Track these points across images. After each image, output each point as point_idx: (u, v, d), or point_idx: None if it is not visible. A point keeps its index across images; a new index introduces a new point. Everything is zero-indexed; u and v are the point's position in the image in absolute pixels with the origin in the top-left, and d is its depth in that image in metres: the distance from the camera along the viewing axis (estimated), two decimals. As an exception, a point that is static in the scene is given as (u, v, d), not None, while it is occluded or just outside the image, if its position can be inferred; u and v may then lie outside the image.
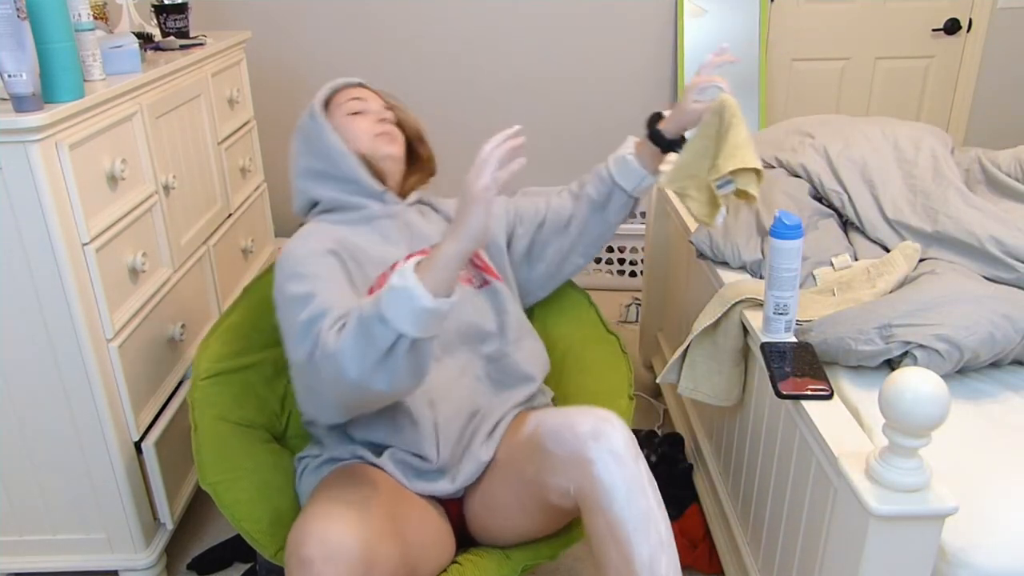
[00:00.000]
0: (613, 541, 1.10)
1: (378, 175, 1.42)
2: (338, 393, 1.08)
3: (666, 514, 1.14)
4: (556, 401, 1.53)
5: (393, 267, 1.35)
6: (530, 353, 1.43)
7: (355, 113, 1.43)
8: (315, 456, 1.34)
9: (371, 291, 1.30)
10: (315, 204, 1.44)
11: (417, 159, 1.54)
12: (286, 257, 1.27)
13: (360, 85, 1.50)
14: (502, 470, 1.28)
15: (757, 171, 1.32)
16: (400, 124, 1.49)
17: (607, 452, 1.10)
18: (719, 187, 1.35)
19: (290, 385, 1.51)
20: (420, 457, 1.28)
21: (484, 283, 1.43)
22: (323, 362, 1.06)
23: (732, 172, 1.32)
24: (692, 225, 1.77)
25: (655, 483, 1.15)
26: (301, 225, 1.42)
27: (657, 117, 1.46)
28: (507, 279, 1.50)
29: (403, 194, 1.47)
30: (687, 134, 1.44)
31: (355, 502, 1.10)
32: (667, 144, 1.44)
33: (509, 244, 1.53)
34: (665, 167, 1.48)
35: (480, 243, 1.05)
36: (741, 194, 1.35)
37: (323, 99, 1.43)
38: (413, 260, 1.03)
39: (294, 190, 1.45)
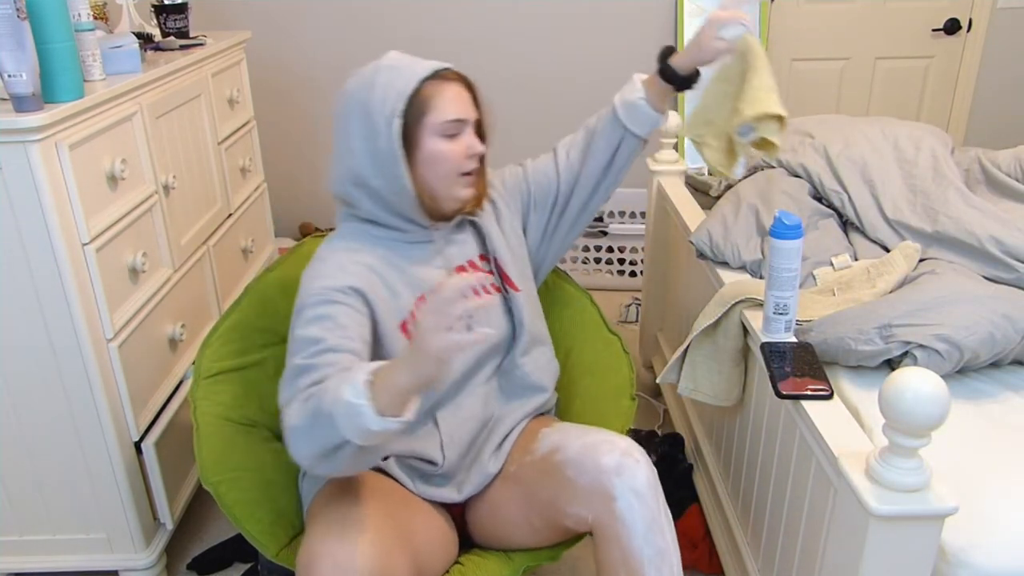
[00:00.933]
0: (626, 573, 1.12)
1: (432, 211, 1.23)
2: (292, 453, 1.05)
3: (678, 548, 1.15)
4: (559, 403, 1.53)
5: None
6: (542, 363, 1.39)
7: (451, 136, 1.19)
8: None
9: (403, 325, 1.21)
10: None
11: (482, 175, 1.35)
12: (309, 285, 1.17)
13: (451, 72, 1.21)
14: (512, 484, 1.27)
15: (781, 118, 1.23)
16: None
17: (630, 490, 1.11)
18: (740, 135, 1.25)
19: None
20: (427, 462, 1.27)
21: (501, 291, 1.36)
22: (285, 427, 1.04)
23: (755, 118, 1.22)
24: (692, 225, 1.77)
25: (671, 517, 1.16)
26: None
27: (669, 51, 1.31)
28: (527, 284, 1.40)
29: (449, 218, 1.30)
30: (703, 71, 1.32)
31: (365, 518, 1.09)
32: (681, 81, 1.29)
33: (524, 230, 1.42)
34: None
35: (433, 388, 1.00)
36: (763, 144, 1.26)
37: (408, 96, 1.15)
38: (367, 371, 0.95)
39: (337, 170, 1.25)
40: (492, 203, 1.37)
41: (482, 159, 1.27)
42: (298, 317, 1.15)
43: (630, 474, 1.11)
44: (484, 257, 1.34)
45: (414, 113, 1.15)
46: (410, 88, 1.15)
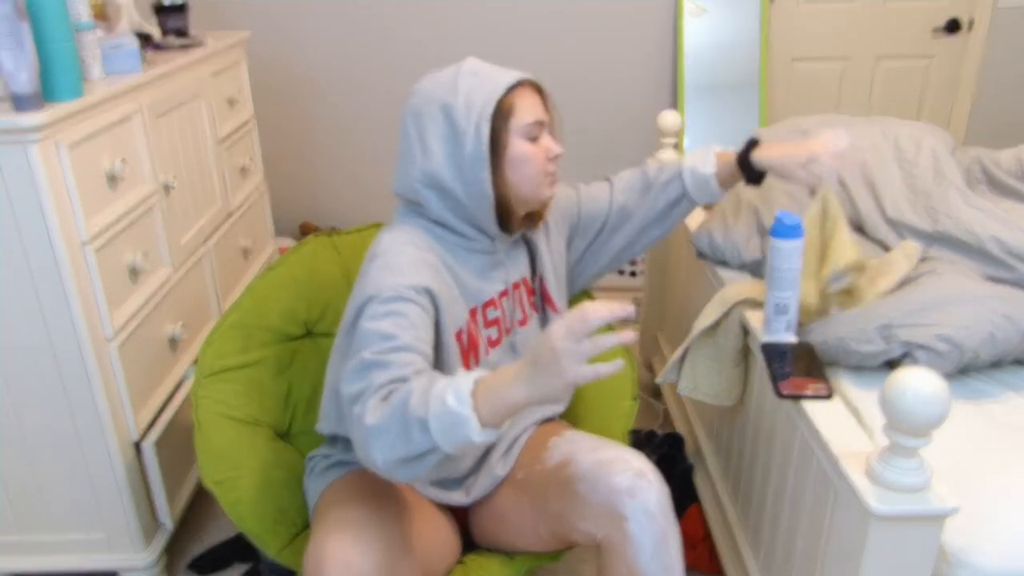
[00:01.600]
0: None
1: (506, 217, 1.23)
2: (357, 451, 1.03)
3: (683, 560, 1.16)
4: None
5: (486, 305, 1.27)
6: None
7: (533, 138, 1.20)
8: (326, 456, 1.32)
9: (458, 335, 1.21)
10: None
11: None
12: (380, 278, 1.13)
13: (529, 82, 1.23)
14: (520, 491, 1.27)
15: (862, 266, 1.33)
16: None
17: (642, 512, 1.11)
18: (833, 281, 1.32)
19: (294, 382, 1.51)
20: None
21: (540, 310, 1.37)
22: (357, 425, 1.00)
23: (845, 266, 1.31)
24: (692, 225, 1.77)
25: (679, 532, 1.16)
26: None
27: (754, 143, 1.37)
28: (563, 304, 1.42)
29: (514, 231, 1.29)
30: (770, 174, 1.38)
31: (374, 520, 1.09)
32: (755, 177, 1.37)
33: (567, 249, 1.45)
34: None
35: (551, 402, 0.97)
36: (849, 293, 1.35)
37: (496, 100, 1.16)
38: (471, 380, 0.94)
39: (406, 168, 1.23)
40: (544, 224, 1.38)
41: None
42: (366, 309, 1.10)
43: (643, 496, 1.11)
44: (532, 276, 1.36)
45: (500, 117, 1.17)
46: (499, 93, 1.16)
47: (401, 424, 0.94)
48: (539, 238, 1.37)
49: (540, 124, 1.21)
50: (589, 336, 0.88)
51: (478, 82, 1.17)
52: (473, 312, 1.25)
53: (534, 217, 1.31)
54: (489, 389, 0.92)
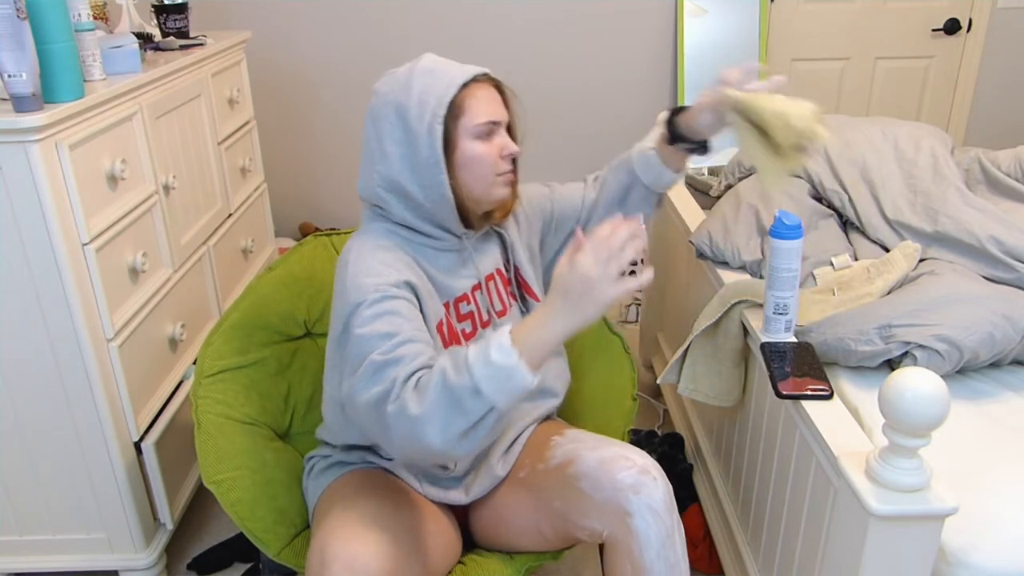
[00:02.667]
0: None
1: (467, 216, 1.21)
2: (403, 446, 1.03)
3: (687, 558, 1.16)
4: (562, 403, 1.53)
5: (459, 300, 1.25)
6: (556, 371, 1.38)
7: (485, 137, 1.17)
8: (324, 457, 1.33)
9: (439, 327, 1.21)
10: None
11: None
12: (361, 283, 1.13)
13: (486, 77, 1.19)
14: (521, 490, 1.27)
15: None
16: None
17: (647, 508, 1.11)
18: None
19: (293, 382, 1.51)
20: (442, 466, 1.27)
21: (519, 300, 1.35)
22: (398, 420, 1.00)
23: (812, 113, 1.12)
24: (692, 225, 1.77)
25: (683, 530, 1.16)
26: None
27: (678, 110, 1.26)
28: (542, 295, 1.38)
29: (479, 227, 1.27)
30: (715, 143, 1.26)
31: (377, 519, 1.09)
32: (682, 137, 1.25)
33: (540, 250, 1.41)
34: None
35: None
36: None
37: (449, 101, 1.13)
38: (506, 332, 0.98)
39: (367, 172, 1.21)
40: (515, 216, 1.35)
41: (515, 161, 1.24)
42: (355, 317, 1.10)
43: (648, 492, 1.11)
44: (506, 266, 1.34)
45: (451, 117, 1.14)
46: (450, 94, 1.13)
47: (450, 400, 0.96)
48: (510, 228, 1.33)
49: (494, 123, 1.17)
50: (614, 256, 0.96)
51: (431, 81, 1.14)
52: (447, 307, 1.24)
53: (495, 213, 1.27)
54: (526, 335, 0.98)
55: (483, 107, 1.15)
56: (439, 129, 1.12)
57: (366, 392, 1.03)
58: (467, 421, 0.97)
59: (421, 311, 1.17)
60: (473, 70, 1.17)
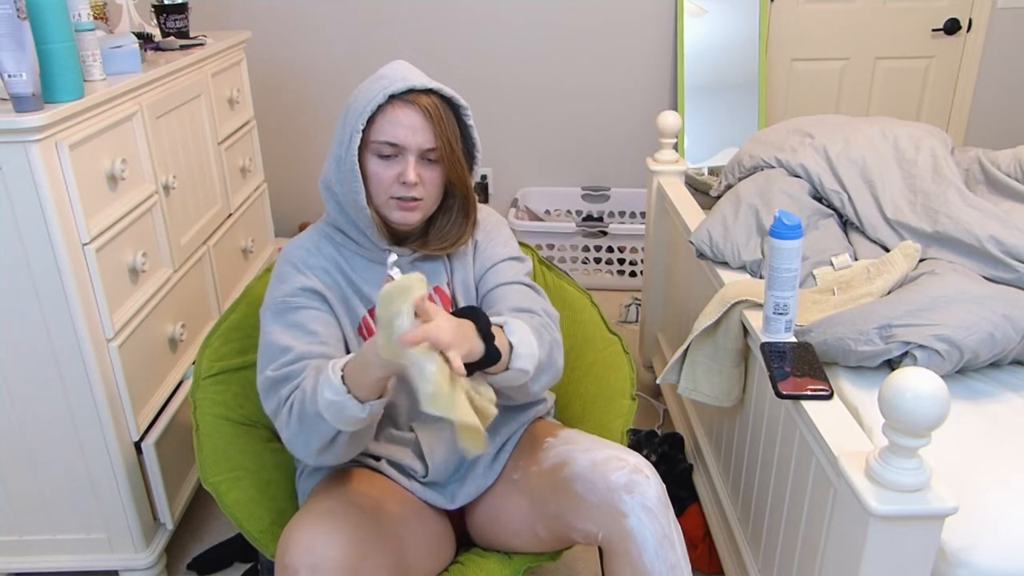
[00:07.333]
0: None
1: (395, 233, 1.23)
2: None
3: (688, 561, 1.15)
4: (558, 403, 1.53)
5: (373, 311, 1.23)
6: None
7: (386, 157, 1.15)
8: None
9: (359, 331, 1.25)
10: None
11: (456, 215, 1.26)
12: (274, 288, 1.22)
13: (421, 96, 1.14)
14: (516, 492, 1.26)
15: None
16: (445, 175, 1.19)
17: (640, 507, 1.11)
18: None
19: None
20: (413, 468, 1.28)
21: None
22: (283, 432, 1.14)
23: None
24: (692, 225, 1.77)
25: (680, 531, 1.16)
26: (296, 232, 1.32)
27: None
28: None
29: (416, 248, 1.25)
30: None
31: (345, 510, 1.11)
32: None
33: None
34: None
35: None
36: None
37: (372, 110, 1.12)
38: (339, 368, 1.04)
39: (324, 170, 1.24)
40: (473, 252, 1.31)
41: (451, 193, 1.22)
42: (263, 318, 1.21)
43: (641, 491, 1.11)
44: (450, 286, 1.30)
45: (368, 129, 1.14)
46: (377, 102, 1.12)
47: (306, 424, 1.08)
48: (461, 258, 1.29)
49: (396, 146, 1.13)
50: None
51: (370, 88, 1.14)
52: (372, 312, 1.24)
53: (430, 242, 1.24)
54: (356, 371, 1.03)
55: (389, 128, 1.13)
56: (357, 138, 1.13)
57: (265, 403, 1.17)
58: (320, 440, 1.09)
59: (336, 316, 1.23)
60: (411, 83, 1.13)
